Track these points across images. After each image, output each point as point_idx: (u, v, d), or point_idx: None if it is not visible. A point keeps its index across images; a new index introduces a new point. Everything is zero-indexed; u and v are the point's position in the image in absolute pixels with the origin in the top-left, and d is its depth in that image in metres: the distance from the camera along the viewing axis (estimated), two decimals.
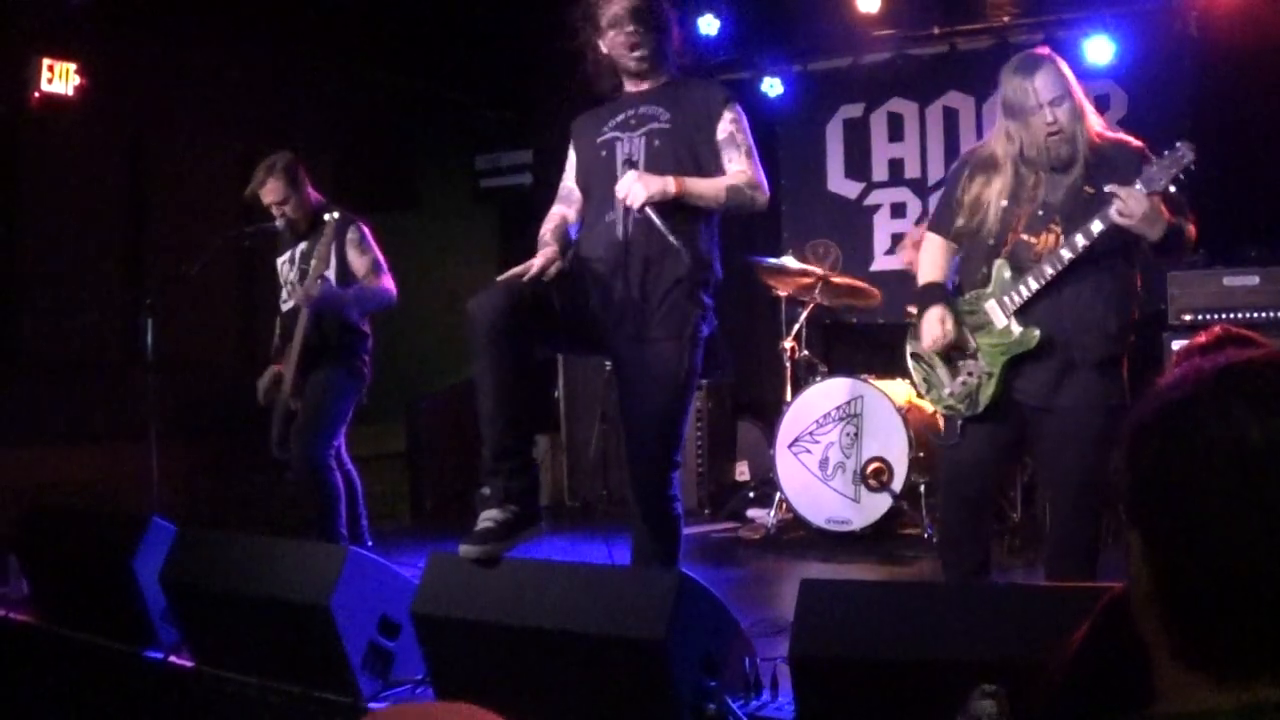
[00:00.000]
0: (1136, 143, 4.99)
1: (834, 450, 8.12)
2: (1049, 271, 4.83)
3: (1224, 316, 7.89)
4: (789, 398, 8.61)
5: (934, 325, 5.09)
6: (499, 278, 4.73)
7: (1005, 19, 9.71)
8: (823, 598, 3.60)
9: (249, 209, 7.30)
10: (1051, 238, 4.89)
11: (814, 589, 3.62)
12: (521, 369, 4.59)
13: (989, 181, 5.05)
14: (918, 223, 5.38)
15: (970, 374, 5.05)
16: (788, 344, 8.87)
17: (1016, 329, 4.93)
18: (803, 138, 10.69)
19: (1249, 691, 1.38)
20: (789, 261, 8.74)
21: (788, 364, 8.87)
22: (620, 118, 5.04)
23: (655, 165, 4.85)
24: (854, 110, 10.33)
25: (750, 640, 4.20)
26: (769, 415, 9.39)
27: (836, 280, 8.58)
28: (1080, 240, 4.77)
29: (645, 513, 4.96)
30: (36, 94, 8.65)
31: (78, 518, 6.15)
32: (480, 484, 4.62)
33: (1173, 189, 4.69)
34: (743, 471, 9.67)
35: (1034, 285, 4.88)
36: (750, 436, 9.75)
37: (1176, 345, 7.95)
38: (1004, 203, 5.00)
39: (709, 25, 10.41)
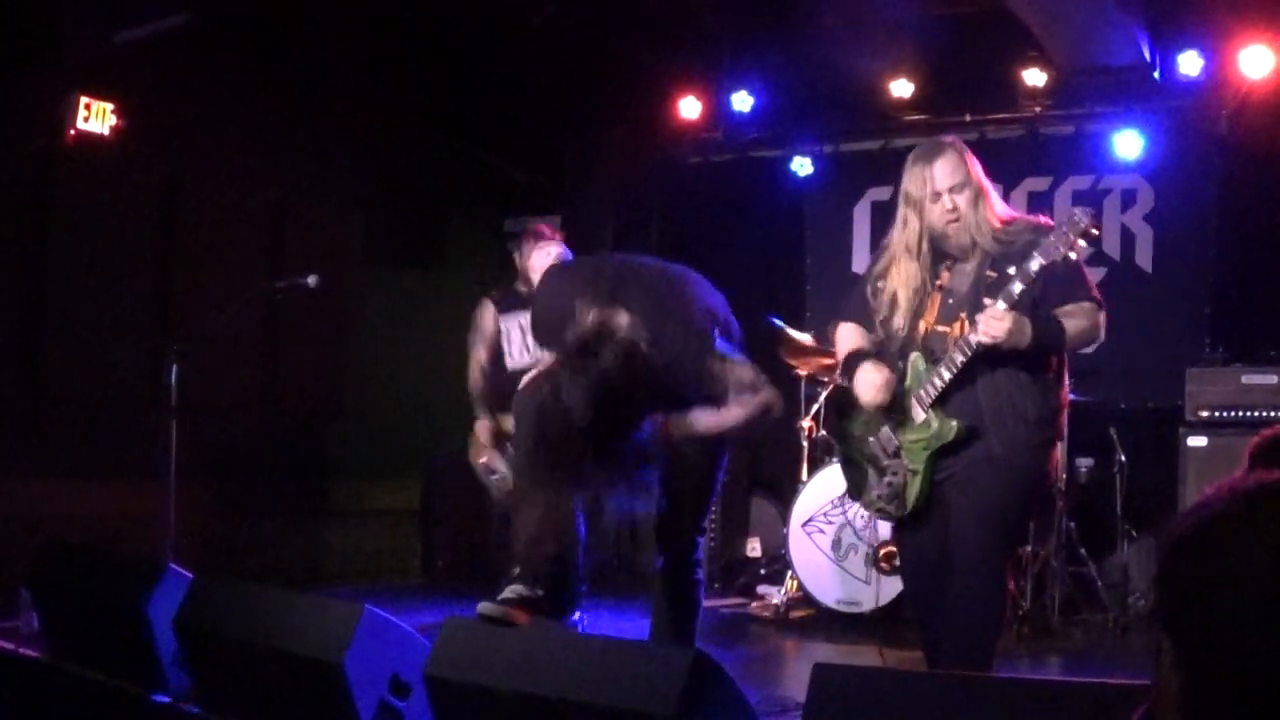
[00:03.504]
0: (1044, 220, 4.93)
1: (847, 532, 8.12)
2: (959, 359, 4.77)
3: (1242, 414, 7.92)
4: (805, 477, 8.62)
5: (867, 381, 4.96)
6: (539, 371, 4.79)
7: (1036, 109, 9.77)
8: (835, 683, 3.60)
9: (278, 257, 7.39)
10: (960, 327, 4.84)
11: (827, 674, 3.63)
12: (561, 464, 4.66)
13: (890, 274, 5.00)
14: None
15: (895, 473, 4.98)
16: (805, 423, 8.89)
17: (935, 422, 4.86)
18: (830, 218, 10.74)
19: None
20: (810, 340, 8.78)
21: (805, 443, 8.89)
22: None
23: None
24: (882, 193, 10.36)
25: None
26: (783, 493, 9.39)
27: None
28: (971, 339, 4.71)
29: (671, 576, 5.00)
30: (72, 131, 8.69)
31: (94, 556, 6.16)
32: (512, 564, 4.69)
33: (1072, 255, 4.63)
34: (754, 547, 9.67)
35: (946, 375, 4.81)
36: (763, 513, 9.75)
37: (1193, 442, 7.98)
38: (905, 294, 4.95)
39: (742, 103, 10.50)
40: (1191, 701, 1.47)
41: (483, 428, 7.60)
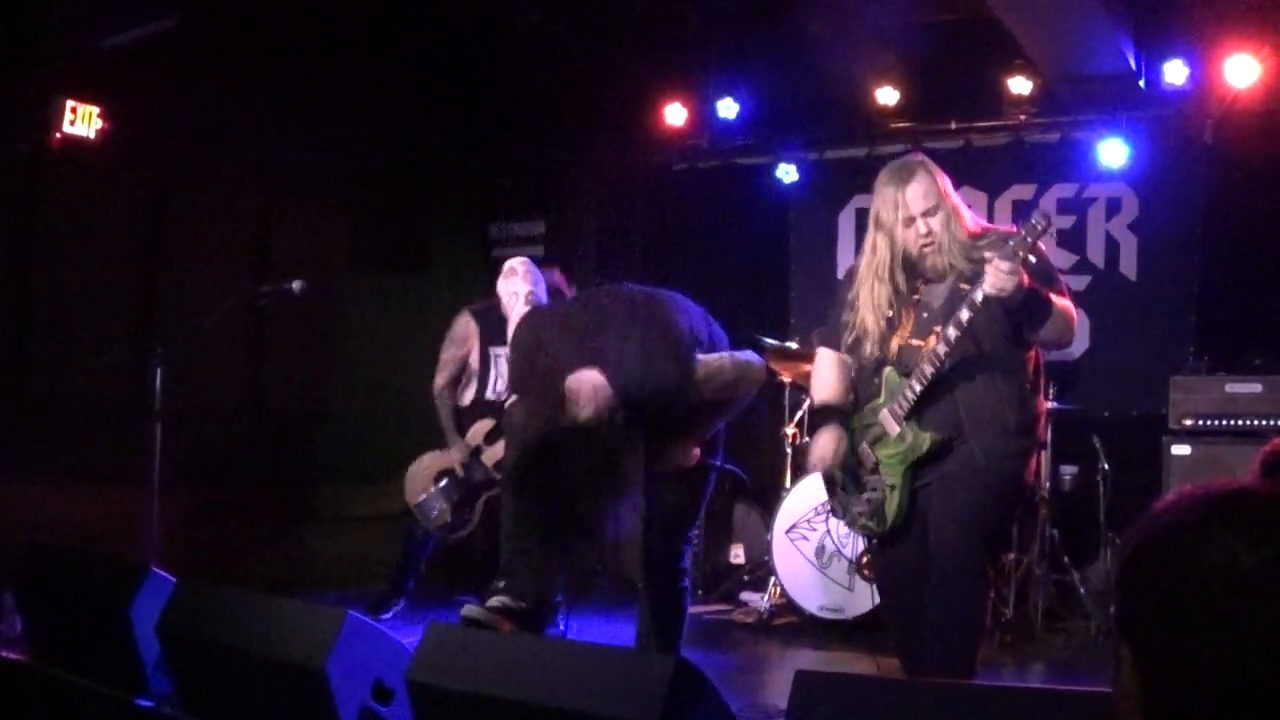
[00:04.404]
0: (1016, 230, 4.86)
1: (831, 539, 8.11)
2: (929, 370, 4.77)
3: (1226, 423, 7.93)
4: (789, 484, 8.62)
5: (818, 447, 5.06)
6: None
7: (1021, 117, 9.80)
8: (817, 691, 3.60)
9: (263, 263, 7.39)
10: (933, 340, 4.83)
11: (809, 681, 3.63)
12: (548, 482, 4.69)
13: (863, 299, 4.96)
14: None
15: (874, 489, 4.98)
16: (789, 430, 8.90)
17: (909, 435, 4.85)
18: (815, 225, 10.75)
19: None
20: (794, 347, 8.79)
21: (789, 450, 8.90)
22: None
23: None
24: (867, 200, 10.18)
25: None
26: (767, 500, 9.38)
27: None
28: (952, 332, 4.70)
29: (655, 586, 5.01)
30: (58, 135, 8.67)
31: (78, 560, 6.15)
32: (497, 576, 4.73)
33: (1033, 259, 4.61)
34: (738, 554, 9.66)
35: (917, 387, 4.81)
36: (747, 520, 9.73)
37: (1177, 450, 7.99)
38: (875, 321, 4.93)
39: (727, 109, 10.52)
40: (1152, 709, 1.48)
41: (429, 462, 7.85)
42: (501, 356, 8.05)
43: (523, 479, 4.69)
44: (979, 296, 4.60)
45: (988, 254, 4.66)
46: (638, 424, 4.84)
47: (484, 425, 7.90)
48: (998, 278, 4.50)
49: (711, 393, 4.97)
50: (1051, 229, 4.63)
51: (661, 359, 4.88)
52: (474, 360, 8.07)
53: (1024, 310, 4.68)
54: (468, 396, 8.10)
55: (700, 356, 4.99)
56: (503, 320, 7.90)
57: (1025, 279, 4.55)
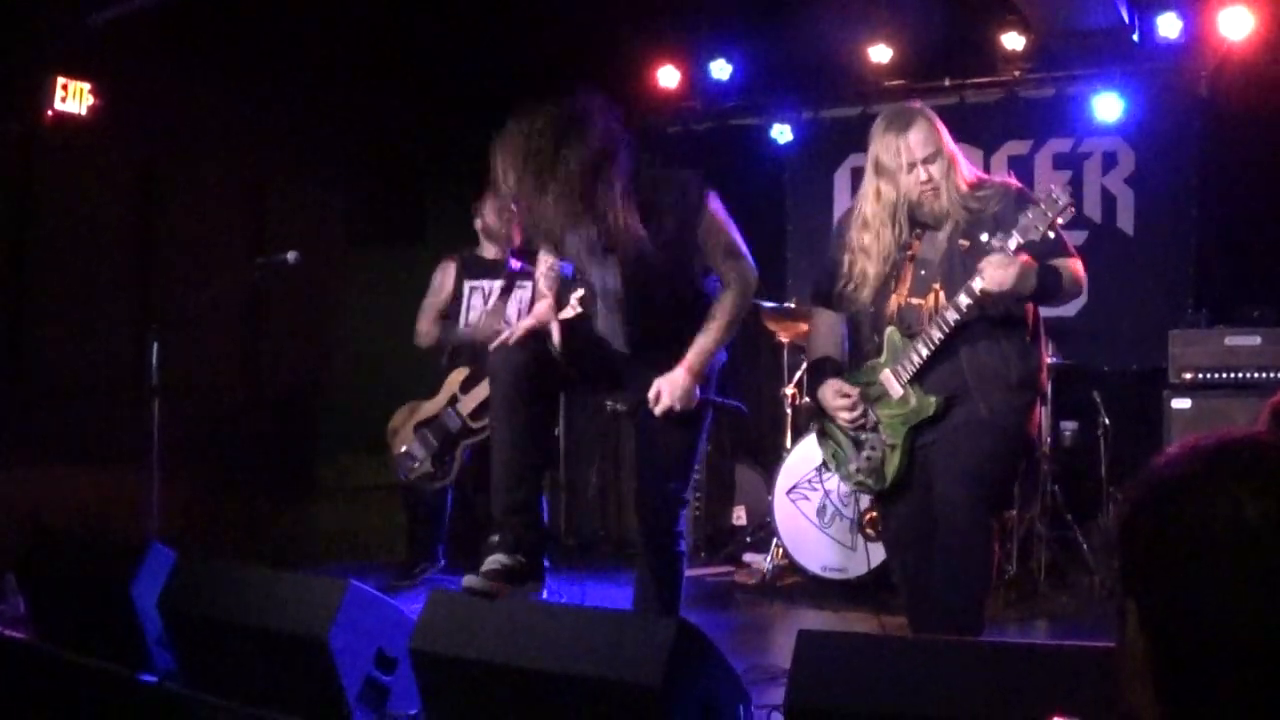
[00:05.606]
0: (1013, 183, 4.96)
1: (832, 498, 8.10)
2: (937, 336, 4.79)
3: (1226, 376, 7.92)
4: (789, 444, 8.61)
5: (835, 399, 5.02)
6: (515, 333, 4.81)
7: (1015, 73, 9.75)
8: (820, 649, 3.60)
9: (259, 237, 7.37)
10: (934, 298, 4.85)
11: (811, 640, 3.63)
12: (536, 426, 4.69)
13: (861, 246, 4.95)
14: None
15: (873, 448, 4.97)
16: (789, 390, 8.88)
17: (914, 398, 4.86)
18: (810, 185, 10.70)
19: None
20: (792, 307, 8.77)
21: (788, 410, 8.88)
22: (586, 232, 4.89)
23: (639, 297, 4.90)
24: (863, 159, 10.14)
25: (746, 688, 4.21)
26: (768, 461, 9.37)
27: None
28: (963, 300, 4.72)
29: (650, 548, 5.01)
30: (50, 112, 8.65)
31: (78, 539, 6.15)
32: (490, 532, 4.72)
33: (1050, 235, 4.64)
34: (740, 516, 9.64)
35: (924, 351, 4.82)
36: (748, 481, 9.71)
37: (1177, 404, 7.98)
38: (877, 267, 4.92)
39: (720, 70, 10.49)
40: (1158, 664, 1.46)
41: (406, 413, 7.84)
42: (478, 290, 8.07)
43: (510, 424, 4.69)
44: (980, 287, 4.63)
45: (992, 241, 4.68)
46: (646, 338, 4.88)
47: (459, 374, 7.89)
48: (994, 275, 4.60)
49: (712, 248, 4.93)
50: (1069, 205, 4.62)
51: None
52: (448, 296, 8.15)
53: (1036, 295, 4.77)
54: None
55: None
56: (482, 260, 7.99)
57: (1030, 262, 4.62)
